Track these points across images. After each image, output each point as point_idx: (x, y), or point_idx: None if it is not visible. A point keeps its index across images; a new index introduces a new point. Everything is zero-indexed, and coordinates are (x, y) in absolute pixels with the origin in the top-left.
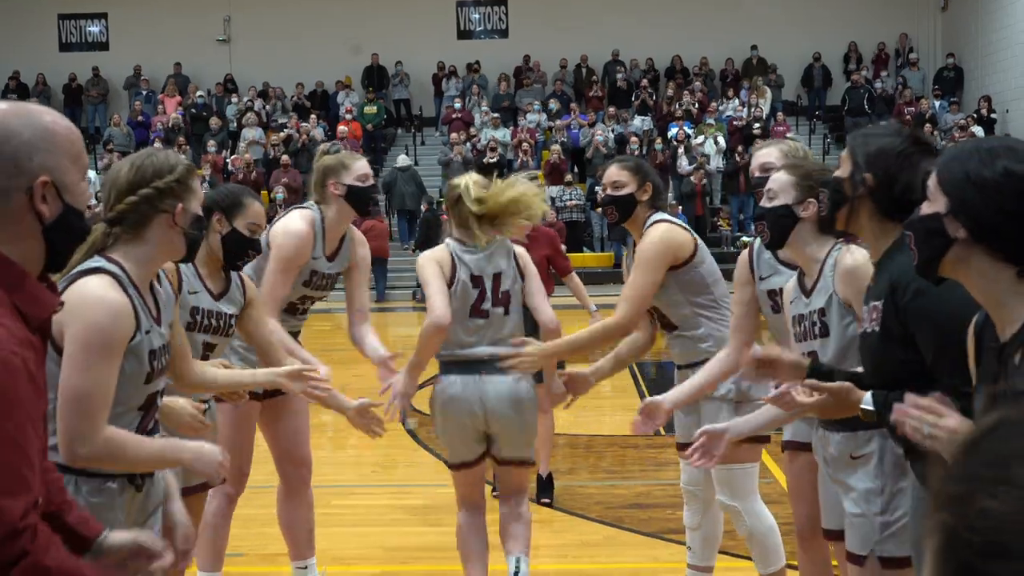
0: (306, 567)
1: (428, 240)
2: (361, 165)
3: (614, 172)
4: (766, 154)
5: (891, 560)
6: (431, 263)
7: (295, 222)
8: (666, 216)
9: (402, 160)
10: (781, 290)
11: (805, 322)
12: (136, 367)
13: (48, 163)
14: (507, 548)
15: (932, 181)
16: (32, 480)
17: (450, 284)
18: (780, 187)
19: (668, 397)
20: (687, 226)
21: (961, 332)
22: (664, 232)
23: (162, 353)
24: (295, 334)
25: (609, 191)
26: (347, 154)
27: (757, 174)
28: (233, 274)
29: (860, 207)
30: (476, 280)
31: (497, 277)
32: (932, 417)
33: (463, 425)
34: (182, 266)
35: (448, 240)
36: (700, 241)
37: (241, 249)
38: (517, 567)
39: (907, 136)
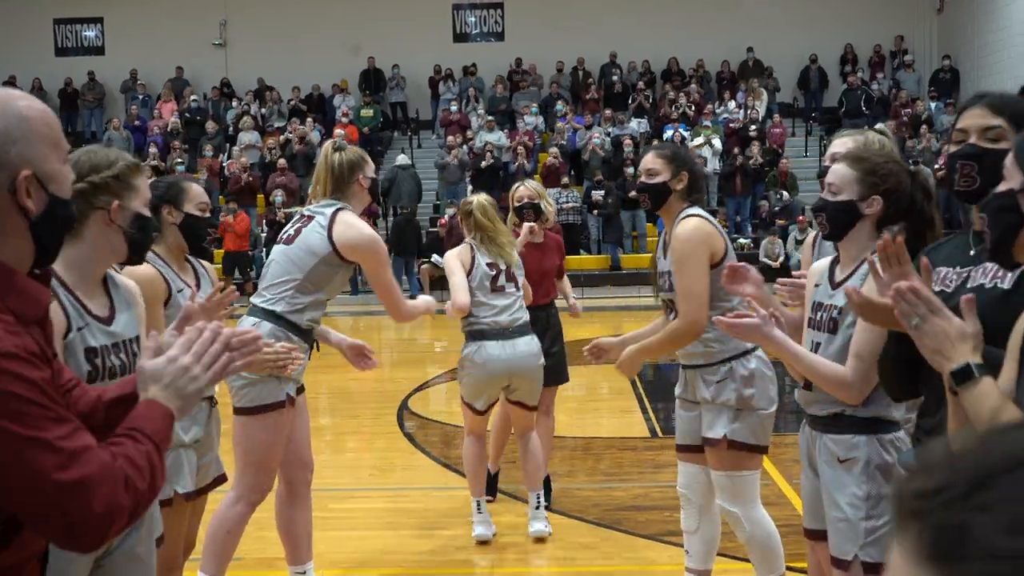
0: (304, 572)
1: (400, 244)
2: (370, 159)
3: (649, 160)
4: (841, 143)
5: (875, 565)
6: (455, 260)
7: (360, 222)
8: (700, 211)
9: (402, 159)
10: None
11: (823, 313)
12: (72, 366)
13: (27, 154)
14: (528, 486)
15: (1009, 159)
16: (81, 433)
17: (470, 271)
18: (843, 182)
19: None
20: (719, 227)
21: None
22: (698, 225)
23: (108, 352)
24: None
25: (643, 178)
26: (359, 149)
27: (828, 163)
28: (195, 261)
29: None
30: (492, 265)
31: (508, 266)
32: (925, 310)
33: (493, 379)
34: (162, 268)
35: (469, 240)
36: (730, 246)
37: (201, 230)
38: (538, 502)
39: None
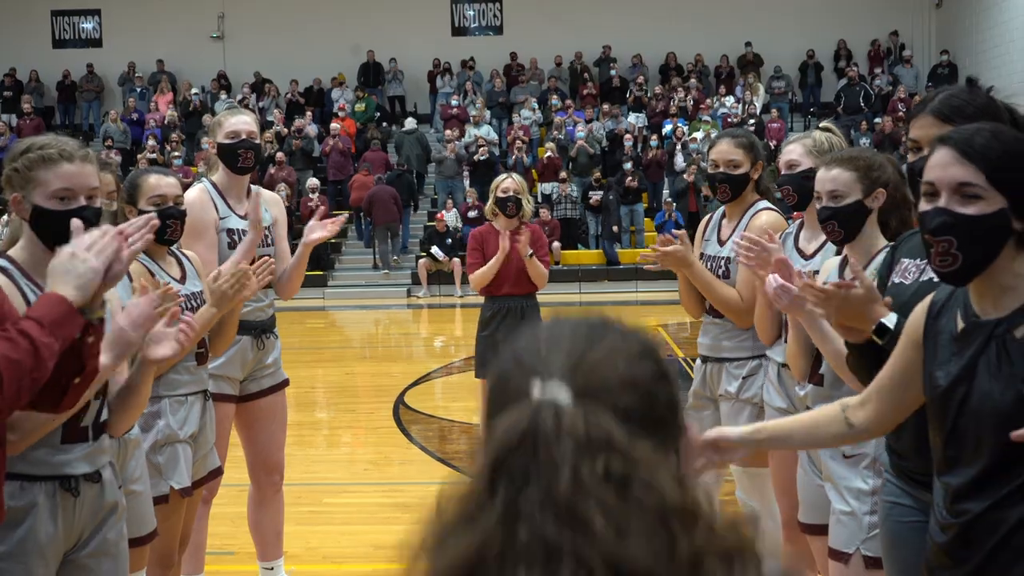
0: (272, 568)
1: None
2: (233, 121)
3: (729, 150)
4: (798, 153)
5: (876, 560)
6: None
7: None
8: (774, 207)
9: (410, 122)
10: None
11: None
12: None
13: None
14: None
15: (982, 180)
16: None
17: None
18: (846, 186)
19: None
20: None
21: None
22: (779, 221)
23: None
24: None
25: (723, 169)
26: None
27: (784, 171)
28: (179, 253)
29: None
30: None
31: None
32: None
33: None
34: (147, 263)
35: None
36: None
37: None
38: None
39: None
